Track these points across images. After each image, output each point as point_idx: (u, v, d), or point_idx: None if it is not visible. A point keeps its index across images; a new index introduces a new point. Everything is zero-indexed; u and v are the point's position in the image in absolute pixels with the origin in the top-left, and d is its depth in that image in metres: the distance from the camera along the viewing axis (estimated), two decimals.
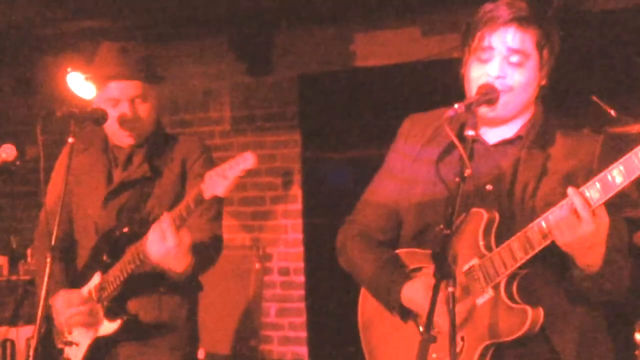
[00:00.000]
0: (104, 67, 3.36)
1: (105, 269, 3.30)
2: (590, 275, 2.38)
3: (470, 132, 2.34)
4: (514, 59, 2.48)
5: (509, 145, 2.56)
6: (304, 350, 6.25)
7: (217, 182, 2.88)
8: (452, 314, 2.20)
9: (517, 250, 2.38)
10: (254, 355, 6.14)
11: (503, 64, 2.48)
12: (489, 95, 2.43)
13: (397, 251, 2.72)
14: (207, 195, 2.91)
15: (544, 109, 2.61)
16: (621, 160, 2.22)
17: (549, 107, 2.63)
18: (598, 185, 2.25)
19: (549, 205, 2.37)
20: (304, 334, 6.25)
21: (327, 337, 6.14)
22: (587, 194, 2.26)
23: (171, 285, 3.29)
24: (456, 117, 2.38)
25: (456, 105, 2.35)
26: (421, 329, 2.52)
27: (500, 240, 2.44)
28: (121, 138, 3.38)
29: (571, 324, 2.49)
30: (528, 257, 2.38)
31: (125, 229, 3.30)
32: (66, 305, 3.32)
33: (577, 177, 2.43)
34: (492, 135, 2.59)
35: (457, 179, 2.29)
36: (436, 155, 2.64)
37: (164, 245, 3.01)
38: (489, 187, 2.53)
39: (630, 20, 5.07)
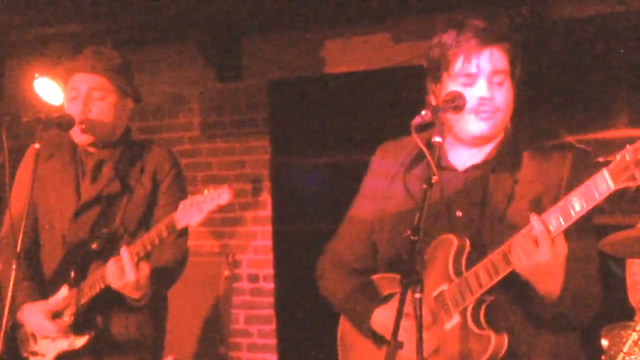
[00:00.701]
0: (73, 62, 3.38)
1: (72, 284, 3.28)
2: (550, 303, 2.39)
3: (437, 139, 2.35)
4: (497, 79, 2.52)
5: (478, 170, 2.58)
6: (273, 358, 6.23)
7: (190, 214, 2.91)
8: (418, 320, 2.20)
9: (483, 276, 2.40)
10: None
11: (489, 85, 2.51)
12: (456, 101, 2.44)
13: (373, 277, 2.73)
14: (180, 225, 2.96)
15: (513, 130, 2.62)
16: (580, 189, 2.25)
17: (519, 125, 2.64)
18: (558, 213, 2.28)
19: (516, 226, 2.39)
20: (273, 341, 6.24)
21: (296, 345, 6.13)
22: (548, 222, 2.29)
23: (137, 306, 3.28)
24: (423, 124, 2.39)
25: (423, 112, 2.36)
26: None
27: (471, 266, 2.45)
28: (75, 135, 3.34)
29: (541, 348, 2.50)
30: (493, 282, 2.39)
31: (94, 246, 3.28)
32: (33, 318, 3.29)
33: (544, 201, 2.45)
34: (462, 161, 2.61)
35: (424, 186, 2.29)
36: (405, 170, 2.66)
37: (122, 279, 3.06)
38: (459, 213, 2.55)
39: (596, 28, 5.12)
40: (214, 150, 6.41)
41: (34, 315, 3.29)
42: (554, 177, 2.49)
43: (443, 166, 2.59)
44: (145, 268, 3.07)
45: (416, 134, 2.36)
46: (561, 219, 2.27)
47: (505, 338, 2.41)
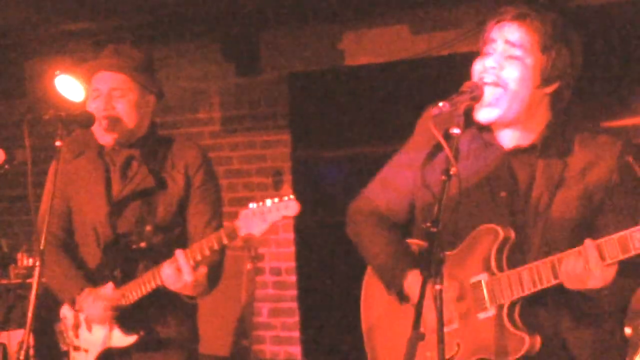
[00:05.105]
0: (94, 61, 3.40)
1: (117, 282, 3.29)
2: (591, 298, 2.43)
3: (455, 131, 2.34)
4: (512, 52, 2.49)
5: (525, 153, 2.56)
6: (296, 350, 6.25)
7: (254, 223, 2.89)
8: (439, 312, 2.21)
9: (526, 281, 2.42)
10: (247, 356, 6.13)
11: (500, 57, 2.50)
12: (474, 92, 2.43)
13: (408, 240, 2.74)
14: (242, 233, 2.94)
15: (564, 117, 2.59)
16: None
17: (570, 114, 2.60)
18: (617, 243, 2.28)
19: (563, 218, 2.41)
20: (296, 333, 6.25)
21: (319, 337, 6.14)
22: (605, 250, 2.29)
23: (177, 302, 3.31)
24: (441, 115, 2.38)
25: (441, 104, 2.35)
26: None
27: (512, 256, 2.47)
28: (99, 136, 3.35)
29: (582, 342, 2.53)
30: (536, 289, 2.41)
31: (143, 244, 3.29)
32: (94, 300, 3.28)
33: (596, 194, 2.46)
34: (507, 139, 2.58)
35: (442, 177, 2.29)
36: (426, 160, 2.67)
37: (180, 280, 3.06)
38: (503, 193, 2.54)
39: (611, 15, 5.08)
40: (235, 144, 6.42)
41: (94, 298, 3.28)
42: (606, 167, 2.48)
43: (488, 142, 2.58)
44: (203, 269, 3.09)
45: (433, 124, 2.35)
46: (619, 250, 2.28)
47: (538, 339, 2.43)
